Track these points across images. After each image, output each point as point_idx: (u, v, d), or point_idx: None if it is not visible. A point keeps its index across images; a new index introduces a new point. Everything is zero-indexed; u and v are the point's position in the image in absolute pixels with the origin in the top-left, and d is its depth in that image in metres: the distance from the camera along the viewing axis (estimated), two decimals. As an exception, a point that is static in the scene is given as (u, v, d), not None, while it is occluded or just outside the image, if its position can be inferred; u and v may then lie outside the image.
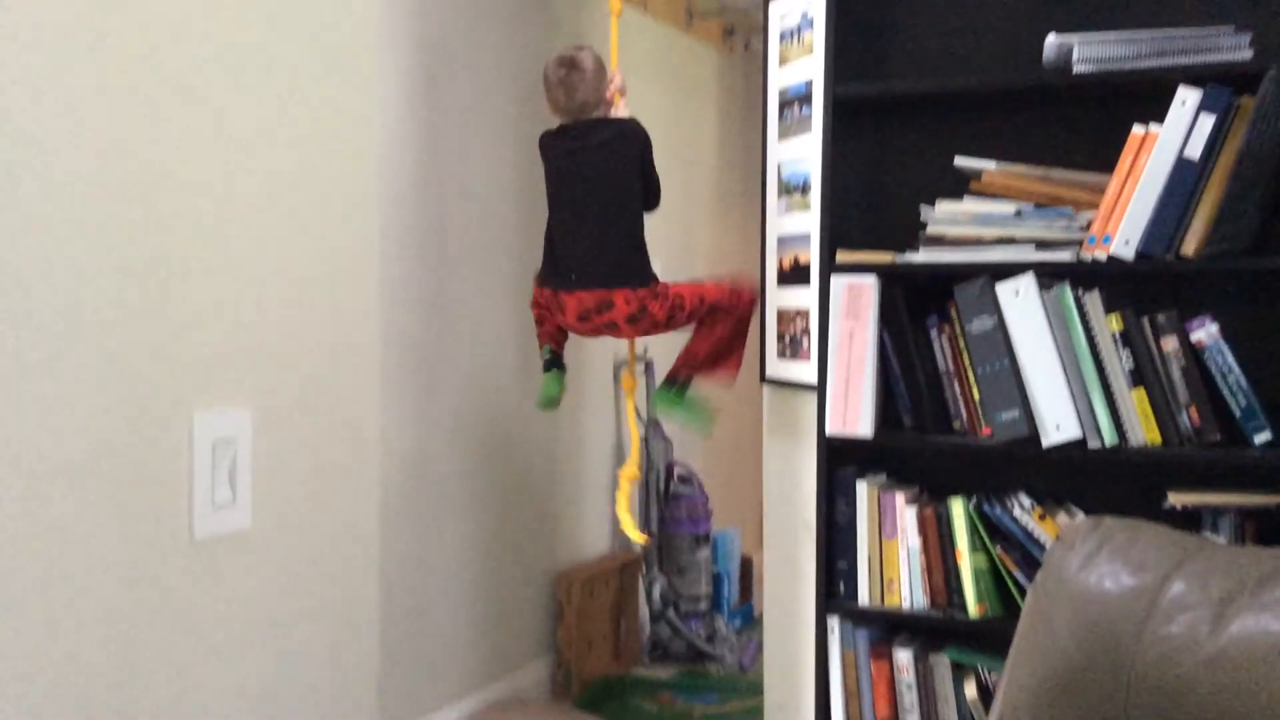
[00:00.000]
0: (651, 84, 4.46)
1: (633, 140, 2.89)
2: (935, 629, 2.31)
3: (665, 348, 4.57)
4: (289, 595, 1.29)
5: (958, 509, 2.23)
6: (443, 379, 3.32)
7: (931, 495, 2.35)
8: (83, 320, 1.07)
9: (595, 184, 2.88)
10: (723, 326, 3.02)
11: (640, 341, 4.38)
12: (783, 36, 2.73)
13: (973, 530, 2.21)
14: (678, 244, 4.74)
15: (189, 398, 1.18)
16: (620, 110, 2.99)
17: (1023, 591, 2.16)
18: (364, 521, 1.41)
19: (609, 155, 2.87)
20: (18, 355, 1.01)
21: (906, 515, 2.26)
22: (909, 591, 2.26)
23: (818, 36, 2.56)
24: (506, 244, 3.59)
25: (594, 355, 4.11)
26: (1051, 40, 2.11)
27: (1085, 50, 2.06)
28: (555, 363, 3.10)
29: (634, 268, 2.88)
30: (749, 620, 4.55)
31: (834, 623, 2.32)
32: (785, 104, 2.74)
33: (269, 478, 1.27)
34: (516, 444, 3.66)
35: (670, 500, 4.11)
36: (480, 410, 3.49)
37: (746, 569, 4.66)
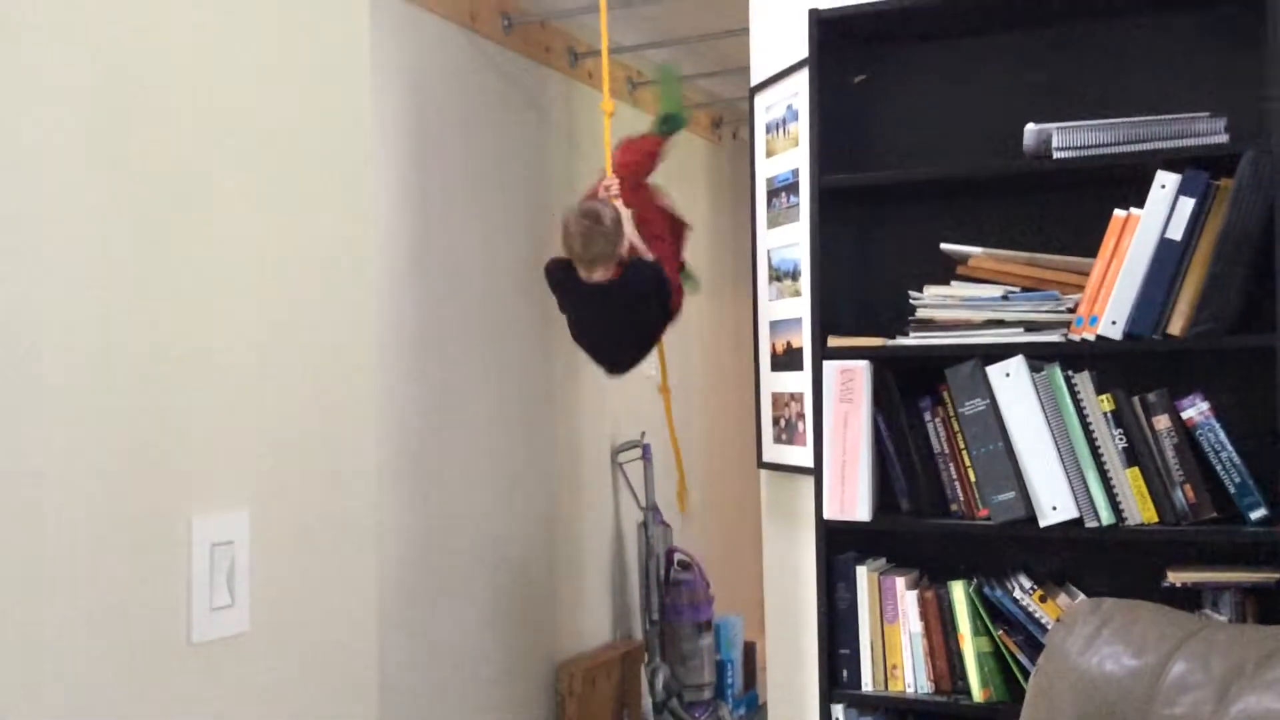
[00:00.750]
0: (643, 174, 4.52)
1: (644, 290, 3.08)
2: (940, 714, 2.28)
3: (664, 431, 4.58)
4: (288, 698, 1.29)
5: (958, 592, 2.22)
6: (441, 472, 3.33)
7: (932, 578, 2.35)
8: (81, 423, 1.08)
9: (610, 327, 3.14)
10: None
11: (637, 424, 4.39)
12: (769, 128, 2.79)
13: (974, 613, 2.21)
14: (672, 330, 4.77)
15: (187, 500, 1.19)
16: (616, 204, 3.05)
17: (1027, 674, 2.14)
18: (362, 620, 1.41)
19: (625, 309, 3.09)
20: (17, 458, 1.02)
21: (907, 599, 2.25)
22: (913, 677, 2.24)
23: (803, 129, 2.62)
24: (504, 337, 3.62)
25: (591, 442, 4.12)
26: (1031, 129, 2.16)
27: (1064, 138, 2.11)
28: None
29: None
30: (754, 708, 4.49)
31: (838, 710, 2.30)
32: (773, 193, 2.79)
33: (267, 579, 1.28)
34: (515, 534, 3.65)
35: (671, 587, 4.09)
36: (479, 501, 3.49)
37: (750, 655, 4.61)
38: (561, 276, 3.07)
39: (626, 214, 3.02)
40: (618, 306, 3.05)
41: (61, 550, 1.06)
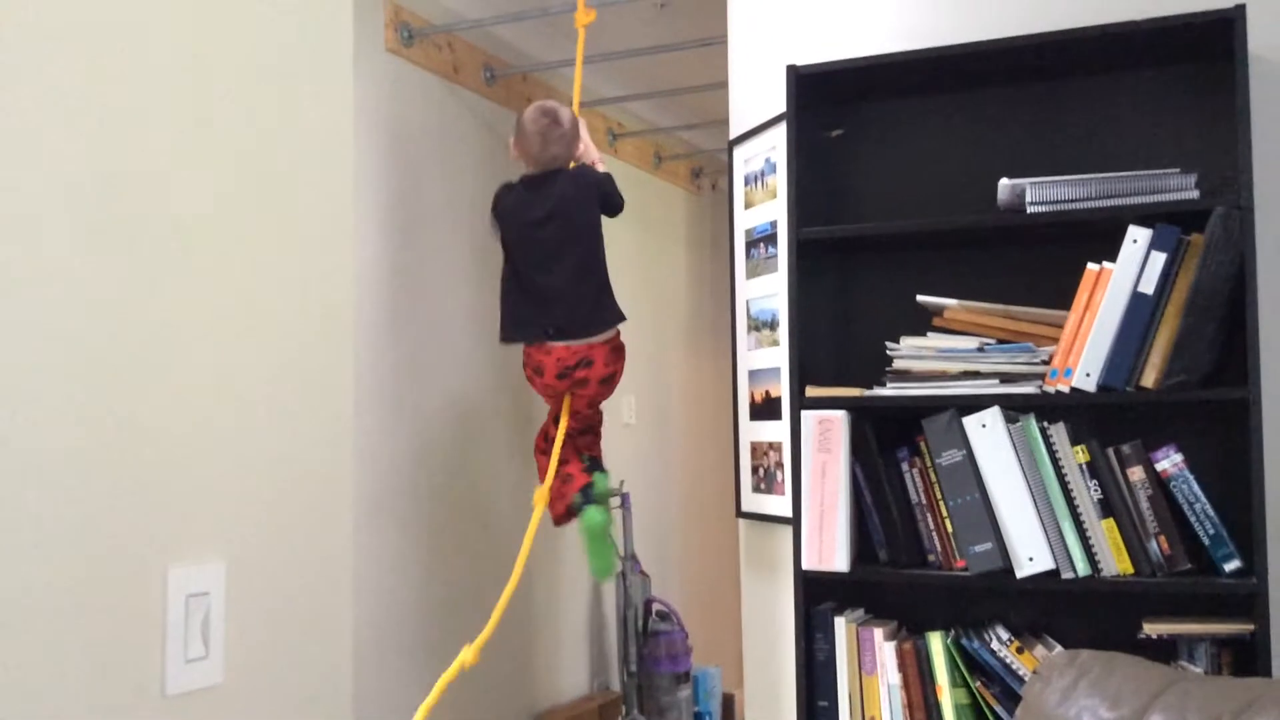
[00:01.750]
0: (624, 223, 4.56)
1: (589, 184, 2.97)
2: (919, 767, 2.27)
3: (642, 480, 4.58)
4: (261, 751, 1.28)
5: (936, 644, 2.22)
6: (416, 523, 3.31)
7: (910, 630, 2.35)
8: (56, 473, 1.08)
9: (563, 235, 2.93)
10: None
11: (616, 474, 4.39)
12: (747, 180, 2.82)
13: (952, 665, 2.21)
14: (652, 378, 4.79)
15: (164, 551, 1.18)
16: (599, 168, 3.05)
17: (1004, 727, 2.14)
18: (337, 673, 1.40)
19: (571, 205, 2.94)
20: (-5, 514, 1.02)
21: (885, 651, 2.25)
22: (891, 729, 2.23)
23: (781, 181, 2.65)
24: (481, 388, 3.62)
25: (570, 491, 4.10)
26: (1005, 183, 2.19)
27: (1037, 192, 2.15)
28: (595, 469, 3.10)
29: (608, 308, 2.97)
30: (732, 761, 4.46)
31: (816, 763, 2.29)
32: (752, 244, 2.81)
33: (241, 631, 1.27)
34: (493, 584, 3.62)
35: (649, 638, 4.06)
36: (455, 550, 3.47)
37: (729, 708, 4.58)
38: (506, 196, 2.99)
39: (583, 122, 3.01)
40: (560, 210, 2.92)
41: (36, 598, 1.05)
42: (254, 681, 1.28)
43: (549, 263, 2.92)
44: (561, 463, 3.03)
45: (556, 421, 3.06)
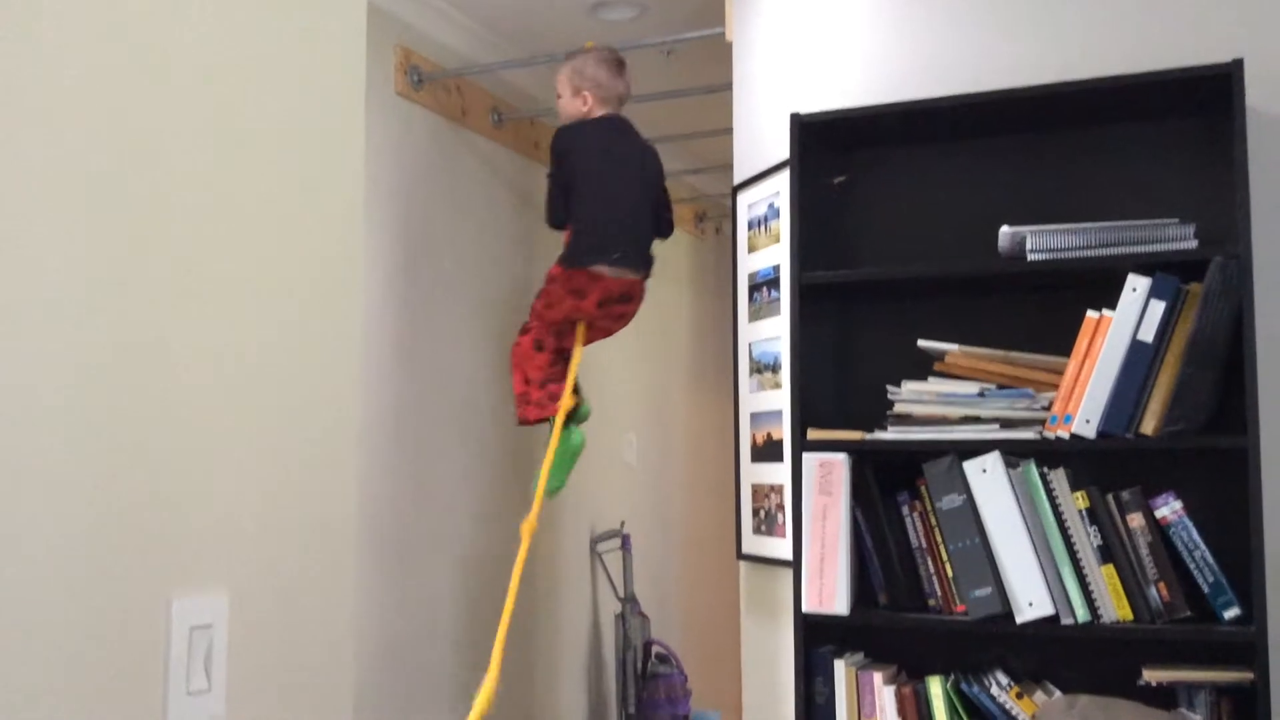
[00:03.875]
0: (627, 266, 4.59)
1: (658, 160, 3.10)
2: (918, 814, 2.26)
3: (643, 521, 4.58)
4: (260, 785, 1.28)
5: (936, 688, 2.22)
6: (419, 561, 3.31)
7: (909, 674, 2.35)
8: (58, 503, 1.09)
9: (636, 172, 3.00)
10: None
11: (617, 514, 4.39)
12: (751, 225, 2.85)
13: (952, 710, 2.20)
14: (654, 419, 4.80)
15: (167, 582, 1.19)
16: None
17: (1004, 773, 2.13)
18: (338, 709, 1.40)
19: (646, 156, 3.06)
20: None
21: (885, 695, 2.25)
22: (890, 774, 2.23)
23: (784, 227, 2.68)
24: (485, 426, 3.63)
25: (569, 531, 4.11)
26: (1005, 231, 2.22)
27: (1038, 240, 2.17)
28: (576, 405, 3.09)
29: (652, 253, 3.05)
30: (730, 806, 4.42)
31: (815, 808, 2.28)
32: (755, 287, 2.84)
33: (244, 664, 1.27)
34: (491, 624, 3.62)
35: (648, 680, 4.04)
36: (456, 591, 3.47)
37: (727, 751, 4.55)
38: (589, 134, 3.00)
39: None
40: (637, 154, 3.04)
41: (36, 629, 1.06)
42: (256, 715, 1.28)
43: (627, 197, 2.98)
44: (551, 380, 3.07)
45: (545, 344, 3.07)
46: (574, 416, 3.07)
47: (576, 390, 3.08)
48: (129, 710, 1.14)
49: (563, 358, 3.09)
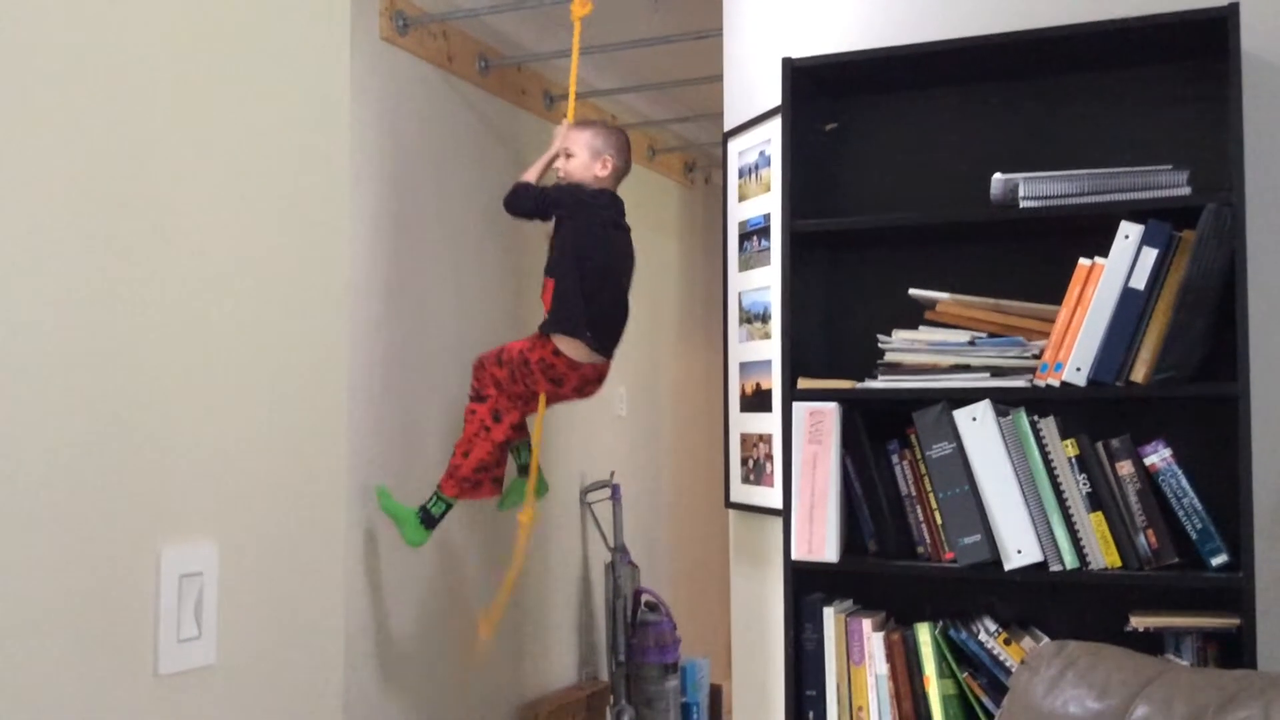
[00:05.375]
0: (616, 216, 4.56)
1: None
2: (905, 758, 2.29)
3: (632, 471, 4.58)
4: (253, 732, 1.28)
5: (924, 635, 2.23)
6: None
7: (898, 621, 2.36)
8: (48, 453, 1.08)
9: (622, 258, 3.05)
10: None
11: (606, 464, 4.40)
12: (741, 173, 2.83)
13: (940, 656, 2.22)
14: (643, 370, 4.79)
15: (156, 531, 1.18)
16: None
17: (990, 717, 2.15)
18: (329, 654, 1.40)
19: (628, 236, 3.10)
20: (-10, 491, 1.02)
21: (874, 641, 2.26)
22: (878, 719, 2.24)
23: (775, 174, 2.66)
24: (469, 373, 3.62)
25: (559, 482, 4.11)
26: (998, 178, 2.20)
27: (1030, 188, 2.15)
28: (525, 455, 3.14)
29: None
30: (719, 752, 4.47)
31: (804, 753, 2.30)
32: (745, 236, 2.82)
33: (234, 611, 1.27)
34: (482, 574, 3.63)
35: (638, 629, 4.07)
36: (445, 540, 3.48)
37: (716, 698, 4.59)
38: (590, 200, 3.00)
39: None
40: (624, 237, 3.09)
41: (27, 577, 1.06)
42: (246, 662, 1.28)
43: (616, 275, 3.02)
44: (495, 464, 3.06)
45: (503, 416, 3.05)
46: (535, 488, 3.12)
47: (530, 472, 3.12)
48: (120, 658, 1.14)
49: (517, 431, 3.08)
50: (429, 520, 3.03)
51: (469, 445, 3.03)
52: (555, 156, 3.05)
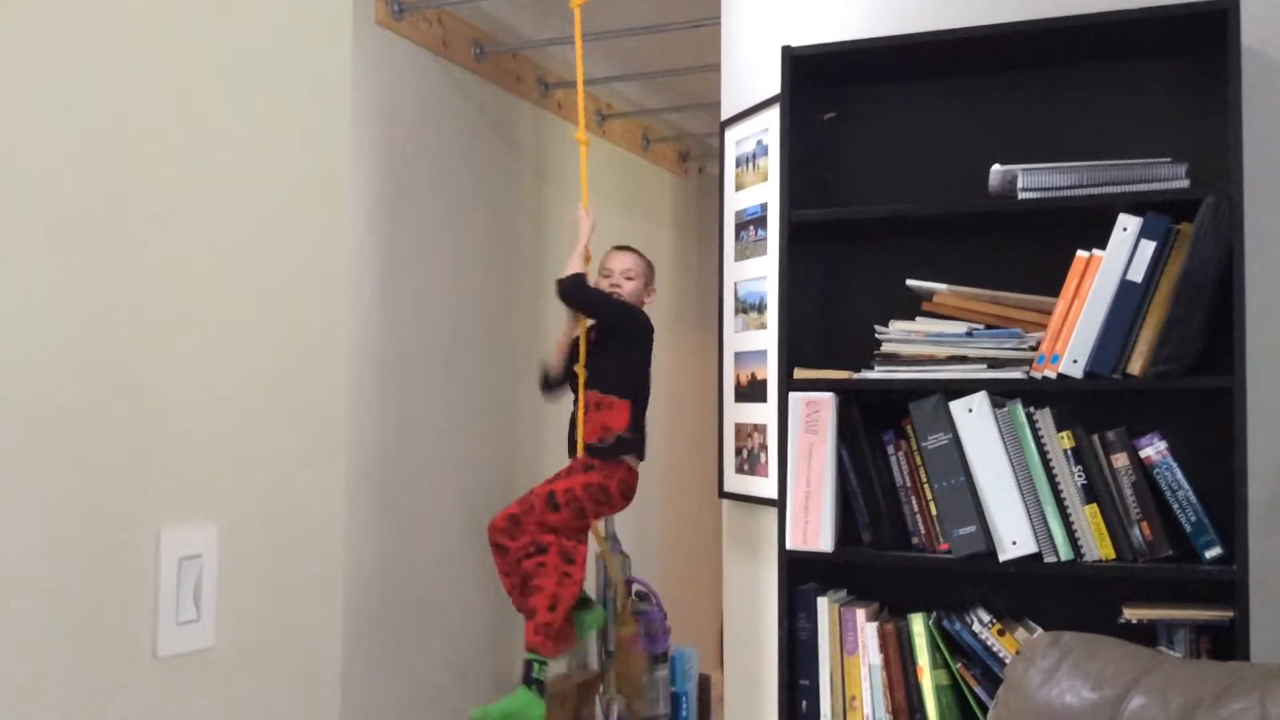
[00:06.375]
0: (611, 205, 4.56)
1: None
2: (897, 748, 2.29)
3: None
4: (250, 714, 1.27)
5: (918, 625, 2.24)
6: (405, 491, 3.31)
7: (892, 611, 2.36)
8: (48, 434, 1.07)
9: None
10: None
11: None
12: (739, 162, 2.82)
13: (933, 646, 2.22)
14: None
15: (156, 513, 1.18)
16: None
17: (984, 708, 2.16)
18: (327, 638, 1.40)
19: None
20: (-11, 470, 1.01)
21: (867, 631, 2.27)
22: (871, 709, 2.25)
23: (772, 164, 2.65)
24: (467, 362, 3.61)
25: (552, 470, 4.10)
26: (997, 169, 2.20)
27: (1029, 179, 2.15)
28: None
29: None
30: (707, 742, 4.47)
31: (796, 742, 2.30)
32: (741, 226, 2.81)
33: (233, 594, 1.26)
34: (476, 558, 3.62)
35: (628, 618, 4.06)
36: (440, 523, 3.47)
37: (705, 688, 4.60)
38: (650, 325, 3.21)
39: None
40: None
41: (27, 560, 1.05)
42: (245, 644, 1.27)
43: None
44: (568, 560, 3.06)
45: (574, 556, 3.07)
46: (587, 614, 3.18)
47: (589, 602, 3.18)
48: (119, 641, 1.13)
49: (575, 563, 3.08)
50: (540, 687, 2.99)
51: (553, 599, 2.97)
52: (587, 243, 3.13)
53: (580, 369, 3.09)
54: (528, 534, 2.99)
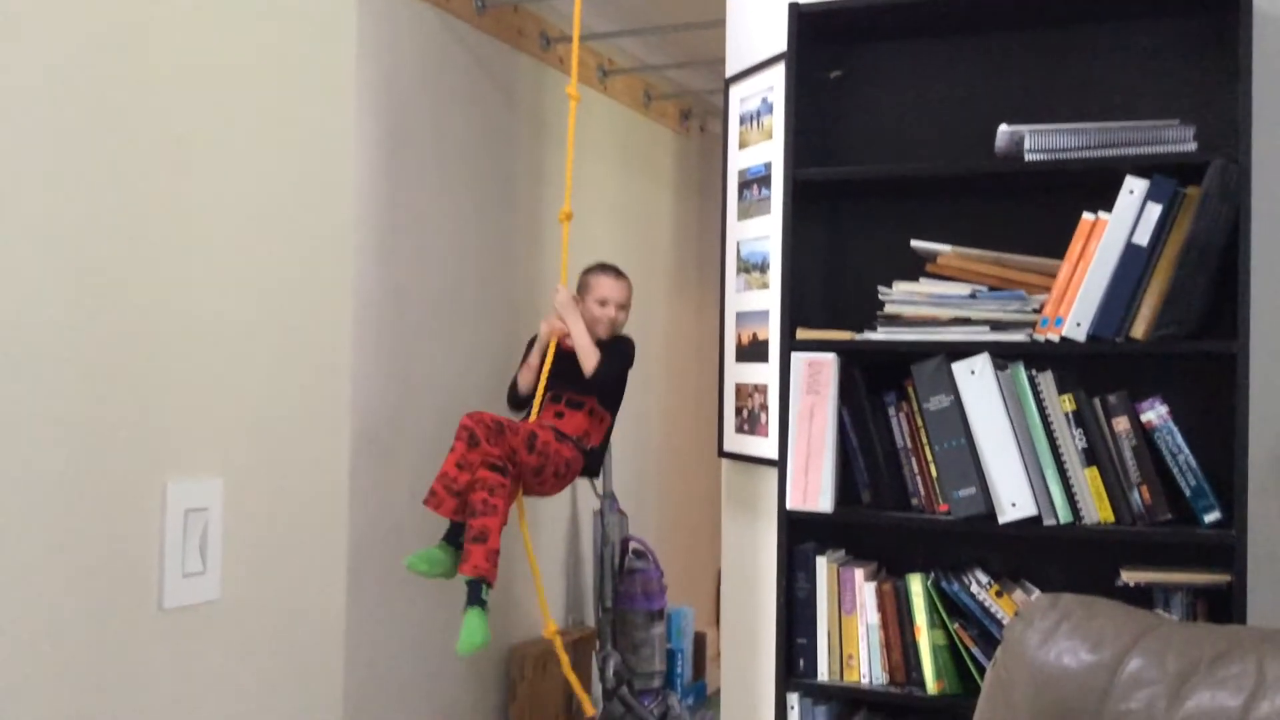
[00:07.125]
0: (611, 164, 4.53)
1: None
2: (894, 706, 2.31)
3: (622, 418, 4.59)
4: (255, 664, 1.28)
5: (916, 585, 2.25)
6: (406, 448, 3.31)
7: (890, 571, 2.37)
8: (59, 386, 1.07)
9: None
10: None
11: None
12: (743, 120, 2.80)
13: (931, 607, 2.23)
14: (634, 319, 4.77)
15: (163, 466, 1.18)
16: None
17: (980, 668, 2.17)
18: (330, 592, 1.40)
19: None
20: (-5, 421, 1.01)
21: (865, 591, 2.28)
22: (868, 668, 2.26)
23: (777, 122, 2.63)
24: (466, 320, 3.60)
25: (550, 429, 4.10)
26: (1004, 130, 2.18)
27: (1036, 140, 2.14)
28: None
29: None
30: (702, 698, 4.52)
31: (793, 699, 2.32)
32: (744, 185, 2.80)
33: (238, 547, 1.27)
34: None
35: (625, 576, 4.09)
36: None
37: (700, 646, 4.63)
38: None
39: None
40: None
41: (33, 511, 1.05)
42: (250, 596, 1.28)
43: None
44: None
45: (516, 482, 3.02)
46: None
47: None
48: (125, 592, 1.14)
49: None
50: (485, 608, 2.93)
51: (500, 528, 2.91)
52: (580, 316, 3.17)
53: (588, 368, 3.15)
54: (500, 450, 2.91)
